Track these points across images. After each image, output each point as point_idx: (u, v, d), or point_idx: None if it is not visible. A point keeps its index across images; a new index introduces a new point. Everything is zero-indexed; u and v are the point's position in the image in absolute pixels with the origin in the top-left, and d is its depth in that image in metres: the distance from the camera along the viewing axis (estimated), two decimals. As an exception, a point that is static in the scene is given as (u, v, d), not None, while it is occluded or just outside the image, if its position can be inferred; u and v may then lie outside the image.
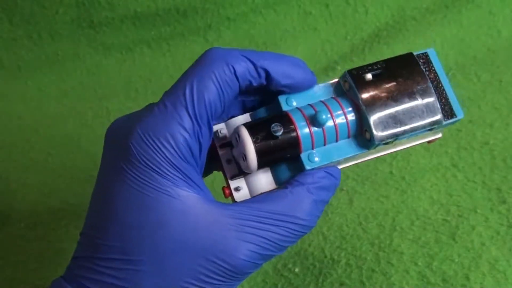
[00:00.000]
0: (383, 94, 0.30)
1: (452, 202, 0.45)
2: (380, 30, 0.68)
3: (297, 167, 0.30)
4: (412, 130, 0.30)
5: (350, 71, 0.31)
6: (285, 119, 0.29)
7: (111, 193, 0.27)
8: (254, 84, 0.29)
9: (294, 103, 0.31)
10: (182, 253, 0.27)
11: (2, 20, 0.69)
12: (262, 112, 0.32)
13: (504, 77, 0.58)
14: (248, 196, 0.31)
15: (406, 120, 0.30)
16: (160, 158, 0.27)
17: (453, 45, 0.64)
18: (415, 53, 0.32)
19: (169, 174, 0.27)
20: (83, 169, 0.58)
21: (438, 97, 0.31)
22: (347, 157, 0.31)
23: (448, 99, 0.32)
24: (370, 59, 0.64)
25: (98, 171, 0.29)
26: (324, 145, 0.30)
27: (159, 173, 0.27)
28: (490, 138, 0.51)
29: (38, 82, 0.71)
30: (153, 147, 0.27)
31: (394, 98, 0.30)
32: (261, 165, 0.29)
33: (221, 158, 0.31)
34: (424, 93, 0.31)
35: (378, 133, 0.30)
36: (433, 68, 0.32)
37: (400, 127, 0.30)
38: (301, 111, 0.30)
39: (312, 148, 0.30)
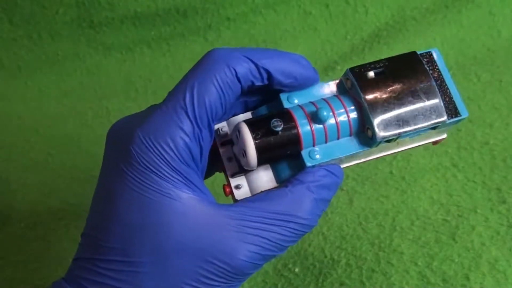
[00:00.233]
0: (385, 92, 0.30)
1: (452, 202, 0.45)
2: (380, 30, 0.68)
3: (298, 165, 0.30)
4: (415, 128, 0.30)
5: (352, 69, 0.30)
6: (286, 116, 0.29)
7: (112, 195, 0.27)
8: (256, 84, 0.29)
9: (296, 101, 0.31)
10: (182, 254, 0.27)
11: (2, 20, 0.69)
12: (263, 110, 0.32)
13: (504, 77, 0.58)
14: (248, 194, 0.31)
15: (409, 118, 0.30)
16: (160, 161, 0.27)
17: (453, 45, 0.64)
18: (419, 53, 0.32)
19: (170, 176, 0.27)
20: (83, 169, 0.58)
21: (442, 96, 0.31)
22: (349, 154, 0.30)
23: (452, 98, 0.31)
24: (370, 59, 0.63)
25: (100, 172, 0.29)
26: (326, 142, 0.30)
27: (160, 175, 0.27)
28: (490, 138, 0.51)
29: (38, 82, 0.71)
30: (154, 150, 0.27)
31: (396, 96, 0.30)
32: (261, 162, 0.29)
33: (222, 156, 0.31)
34: (427, 92, 0.30)
35: (380, 131, 0.29)
36: (437, 67, 0.32)
37: (402, 125, 0.30)
38: (302, 108, 0.30)
39: (313, 145, 0.30)
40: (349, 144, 0.30)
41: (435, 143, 0.33)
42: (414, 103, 0.30)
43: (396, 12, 0.69)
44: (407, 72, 0.31)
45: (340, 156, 0.30)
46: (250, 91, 0.30)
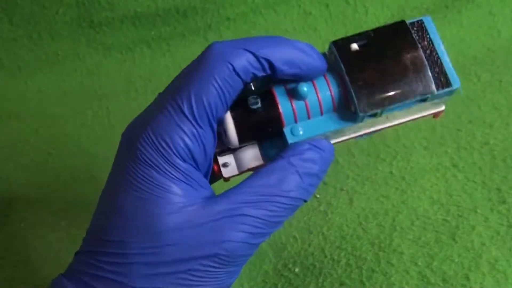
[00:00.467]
0: (368, 64, 0.29)
1: (452, 202, 0.45)
2: (380, 30, 0.68)
3: (284, 142, 0.30)
4: (400, 100, 0.29)
5: (335, 42, 0.30)
6: (266, 93, 0.29)
7: (114, 190, 0.28)
8: (259, 75, 0.29)
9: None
10: (176, 246, 0.27)
11: (2, 20, 0.69)
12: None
13: (504, 77, 0.58)
14: (236, 172, 0.31)
15: (394, 91, 0.29)
16: (159, 156, 0.27)
17: (453, 45, 0.64)
18: (408, 22, 0.30)
19: (167, 172, 0.27)
20: (83, 169, 0.58)
21: (431, 66, 0.29)
22: (333, 130, 0.30)
23: (443, 68, 0.30)
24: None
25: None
26: (308, 118, 0.30)
27: (158, 170, 0.27)
28: (490, 138, 0.51)
29: (38, 82, 0.71)
30: (153, 146, 0.28)
31: (380, 68, 0.29)
32: (243, 139, 0.29)
33: None
34: (414, 62, 0.29)
35: (362, 105, 0.29)
36: (427, 36, 0.30)
37: (386, 99, 0.29)
38: (284, 86, 0.30)
39: (296, 122, 0.30)
40: (333, 119, 0.30)
41: (434, 116, 0.32)
42: (399, 75, 0.29)
43: (396, 12, 0.69)
44: (393, 42, 0.29)
45: (324, 132, 0.30)
46: (257, 82, 0.30)
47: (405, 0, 0.69)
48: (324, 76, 0.30)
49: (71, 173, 0.58)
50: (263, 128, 0.29)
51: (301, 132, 0.29)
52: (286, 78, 0.29)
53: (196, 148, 0.28)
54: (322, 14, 0.70)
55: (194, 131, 0.28)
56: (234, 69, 0.28)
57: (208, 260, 0.27)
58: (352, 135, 0.31)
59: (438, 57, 0.30)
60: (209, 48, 0.29)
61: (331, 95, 0.30)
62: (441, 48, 0.30)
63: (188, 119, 0.28)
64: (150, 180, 0.27)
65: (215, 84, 0.28)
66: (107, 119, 0.65)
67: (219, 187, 0.32)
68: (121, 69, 0.71)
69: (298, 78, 0.30)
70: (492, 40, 0.64)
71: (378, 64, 0.29)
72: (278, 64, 0.29)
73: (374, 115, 0.30)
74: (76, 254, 0.29)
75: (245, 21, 0.70)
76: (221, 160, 0.31)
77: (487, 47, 0.63)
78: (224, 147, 0.31)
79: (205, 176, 0.30)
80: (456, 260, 0.40)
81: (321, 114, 0.30)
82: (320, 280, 0.42)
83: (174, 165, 0.28)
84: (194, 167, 0.28)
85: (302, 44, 0.29)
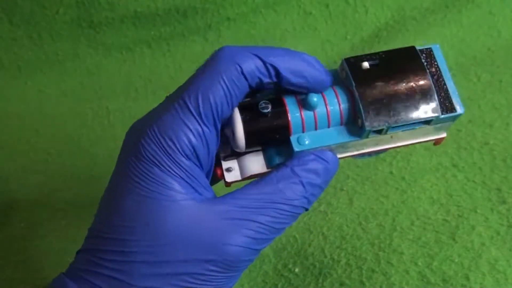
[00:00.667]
0: (378, 83, 0.30)
1: (452, 202, 0.45)
2: (380, 30, 0.68)
3: (289, 151, 0.31)
4: (406, 120, 0.30)
5: (347, 59, 0.31)
6: (277, 100, 0.30)
7: (116, 187, 0.28)
8: (264, 81, 0.29)
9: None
10: (176, 246, 0.27)
11: (2, 20, 0.69)
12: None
13: (504, 77, 0.58)
14: (238, 177, 0.31)
15: (400, 110, 0.30)
16: (163, 154, 0.28)
17: (453, 45, 0.64)
18: (418, 48, 0.32)
19: (170, 169, 0.28)
20: (83, 169, 0.58)
21: (437, 91, 0.31)
22: (338, 143, 0.30)
23: (448, 93, 0.31)
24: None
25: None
26: (316, 129, 0.30)
27: (161, 168, 0.28)
28: (490, 138, 0.51)
29: (38, 82, 0.71)
30: (157, 143, 0.28)
31: (389, 88, 0.30)
32: (250, 144, 0.30)
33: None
34: (422, 86, 0.30)
35: (369, 120, 0.29)
36: (435, 63, 0.32)
37: (392, 116, 0.30)
38: (294, 96, 0.30)
39: (303, 131, 0.30)
40: (339, 133, 0.31)
41: (435, 143, 0.33)
42: (406, 96, 0.30)
43: (396, 12, 0.69)
44: (403, 65, 0.31)
45: (329, 143, 0.30)
46: (261, 89, 0.30)
47: (405, 0, 0.69)
48: (334, 90, 0.31)
49: (71, 173, 0.59)
50: (271, 133, 0.30)
51: (307, 142, 0.30)
52: (291, 88, 0.30)
53: (200, 146, 0.28)
54: (322, 14, 0.70)
55: (199, 128, 0.28)
56: (242, 71, 0.28)
57: (210, 264, 0.27)
58: (356, 152, 0.32)
59: (445, 83, 0.31)
60: (219, 50, 0.29)
61: (340, 109, 0.30)
62: (447, 75, 0.32)
63: (193, 116, 0.28)
64: (152, 177, 0.27)
65: (223, 84, 0.28)
66: (107, 119, 0.65)
67: (218, 191, 0.32)
68: (121, 69, 0.71)
69: (303, 89, 0.30)
70: (492, 40, 0.64)
71: (387, 83, 0.30)
72: (284, 72, 0.29)
73: (380, 132, 0.30)
74: (78, 252, 0.30)
75: (245, 21, 0.70)
76: (225, 164, 0.32)
77: (487, 47, 0.63)
78: (229, 152, 0.31)
79: (207, 176, 0.30)
80: (456, 260, 0.40)
81: (329, 126, 0.31)
82: (320, 280, 0.42)
83: (177, 162, 0.28)
84: (197, 166, 0.29)
85: (309, 57, 0.30)
